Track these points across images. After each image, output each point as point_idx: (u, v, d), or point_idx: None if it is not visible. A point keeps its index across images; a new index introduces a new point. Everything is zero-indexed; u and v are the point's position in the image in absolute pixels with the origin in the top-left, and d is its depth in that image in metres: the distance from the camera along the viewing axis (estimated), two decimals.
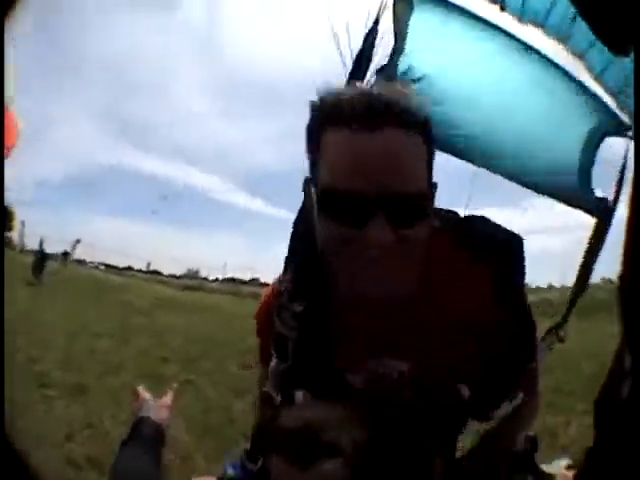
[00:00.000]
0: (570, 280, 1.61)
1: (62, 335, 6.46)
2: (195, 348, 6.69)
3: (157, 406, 1.11)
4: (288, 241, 0.93)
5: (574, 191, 1.42)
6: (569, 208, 1.44)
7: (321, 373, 0.84)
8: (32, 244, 17.34)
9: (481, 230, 0.83)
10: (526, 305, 0.85)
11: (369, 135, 0.66)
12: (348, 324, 0.82)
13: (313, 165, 0.74)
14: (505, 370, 0.84)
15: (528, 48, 1.31)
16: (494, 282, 0.80)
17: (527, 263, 0.85)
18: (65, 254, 23.76)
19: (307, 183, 0.77)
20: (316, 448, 0.70)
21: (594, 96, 1.35)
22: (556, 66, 1.33)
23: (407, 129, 0.68)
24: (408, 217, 0.69)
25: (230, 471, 0.96)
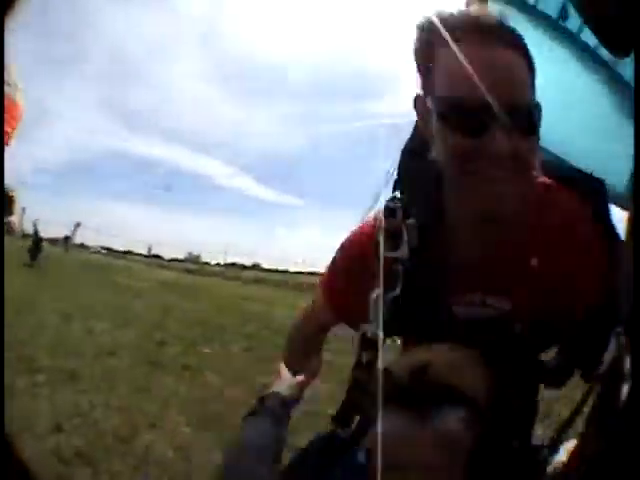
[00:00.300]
0: None
1: (56, 318, 6.23)
2: (194, 332, 6.47)
3: (289, 383, 1.03)
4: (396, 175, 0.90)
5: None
6: None
7: (430, 302, 0.81)
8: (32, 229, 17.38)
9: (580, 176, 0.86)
10: None
11: (484, 51, 0.69)
12: (460, 248, 0.80)
13: (426, 81, 0.76)
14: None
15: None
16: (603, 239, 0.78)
17: None
18: (66, 238, 23.69)
19: (418, 100, 0.78)
20: (437, 394, 0.63)
21: None
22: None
23: (514, 49, 0.71)
24: (522, 128, 0.70)
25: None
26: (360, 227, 0.90)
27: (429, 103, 0.74)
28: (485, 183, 0.70)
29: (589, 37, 1.03)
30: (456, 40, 0.69)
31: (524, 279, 0.79)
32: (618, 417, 0.66)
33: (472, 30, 0.70)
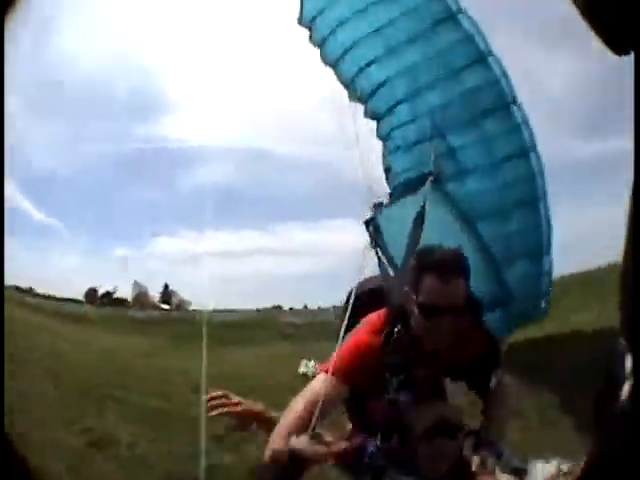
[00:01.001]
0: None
1: None
2: None
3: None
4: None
5: None
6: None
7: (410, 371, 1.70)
8: None
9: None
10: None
11: (447, 278, 1.55)
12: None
13: (413, 288, 1.61)
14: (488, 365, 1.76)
15: None
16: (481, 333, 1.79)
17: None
18: None
19: (408, 294, 1.63)
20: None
21: None
22: None
23: (463, 274, 1.58)
24: (462, 314, 1.59)
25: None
26: (368, 340, 1.69)
27: (413, 298, 1.60)
28: (439, 323, 1.58)
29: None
30: (435, 273, 1.55)
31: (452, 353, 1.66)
32: (618, 418, 0.73)
33: (442, 266, 1.56)
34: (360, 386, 1.63)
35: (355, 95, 3.10)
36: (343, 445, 1.48)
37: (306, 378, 6.61)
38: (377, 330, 1.67)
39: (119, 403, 4.82)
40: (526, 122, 3.04)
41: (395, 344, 1.63)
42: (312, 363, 6.75)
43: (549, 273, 3.55)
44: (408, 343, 1.62)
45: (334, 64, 3.16)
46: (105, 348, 9.04)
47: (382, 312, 1.74)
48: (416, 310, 1.57)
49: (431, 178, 2.42)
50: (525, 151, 3.08)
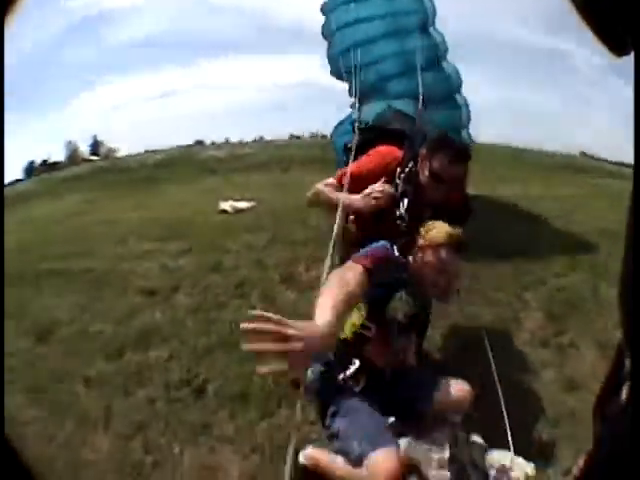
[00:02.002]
0: None
1: None
2: None
3: None
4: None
5: None
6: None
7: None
8: None
9: None
10: None
11: (457, 164, 1.94)
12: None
13: (427, 162, 1.96)
14: (460, 217, 2.03)
15: None
16: None
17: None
18: None
19: (422, 164, 1.98)
20: None
21: None
22: None
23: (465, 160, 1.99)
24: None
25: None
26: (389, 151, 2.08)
27: (427, 168, 1.94)
28: (440, 186, 1.93)
29: None
30: (446, 155, 1.90)
31: None
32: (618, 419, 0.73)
33: (454, 152, 1.92)
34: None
35: None
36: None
37: (227, 214, 6.55)
38: (394, 153, 2.06)
39: (55, 275, 4.49)
40: None
41: (408, 174, 1.98)
42: (229, 202, 6.85)
43: (466, 105, 4.32)
44: (415, 182, 1.97)
45: None
46: (37, 218, 8.46)
47: (394, 148, 2.08)
48: (427, 172, 1.94)
49: None
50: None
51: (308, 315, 1.15)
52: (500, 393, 1.91)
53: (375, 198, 1.93)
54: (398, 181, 1.97)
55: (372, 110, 3.06)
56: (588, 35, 0.68)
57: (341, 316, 1.21)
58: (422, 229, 1.72)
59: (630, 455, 0.65)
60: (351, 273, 1.38)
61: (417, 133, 2.19)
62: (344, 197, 1.96)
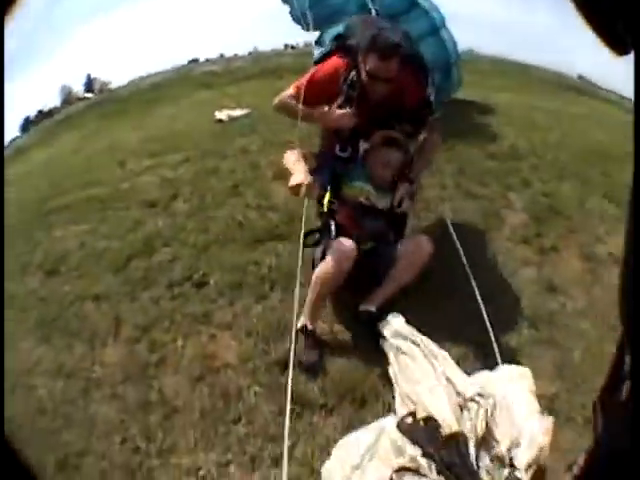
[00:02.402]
0: None
1: None
2: None
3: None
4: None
5: None
6: None
7: None
8: None
9: None
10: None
11: (389, 60, 2.08)
12: None
13: (363, 60, 2.13)
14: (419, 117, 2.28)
15: None
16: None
17: None
18: None
19: (361, 65, 2.15)
20: None
21: None
22: None
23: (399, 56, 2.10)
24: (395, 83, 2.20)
25: None
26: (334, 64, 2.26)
27: (364, 70, 2.12)
28: (378, 84, 2.15)
29: None
30: (376, 53, 2.09)
31: None
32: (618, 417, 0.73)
33: (382, 48, 2.06)
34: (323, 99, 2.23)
35: None
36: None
37: (223, 123, 6.29)
38: (337, 63, 2.25)
39: (62, 210, 4.61)
40: None
41: (351, 80, 2.17)
42: (225, 112, 6.90)
43: (452, 41, 4.58)
44: (359, 86, 2.16)
45: None
46: (37, 165, 8.53)
47: (339, 60, 2.25)
48: (364, 74, 2.12)
49: None
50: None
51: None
52: (475, 289, 1.97)
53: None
54: (344, 87, 2.17)
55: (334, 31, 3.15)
56: None
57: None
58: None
59: (630, 454, 0.64)
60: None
61: (359, 41, 2.26)
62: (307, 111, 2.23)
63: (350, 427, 1.62)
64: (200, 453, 1.61)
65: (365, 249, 2.13)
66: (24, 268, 3.53)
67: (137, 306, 2.57)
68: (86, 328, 2.56)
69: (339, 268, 1.97)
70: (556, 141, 5.39)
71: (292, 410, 1.63)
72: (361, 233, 2.16)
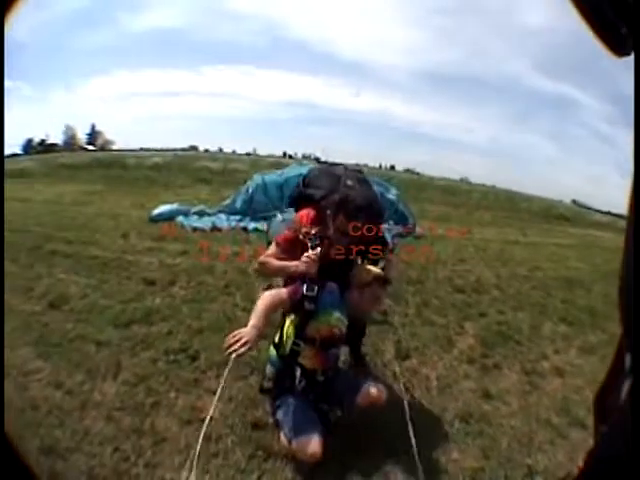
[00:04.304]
0: None
1: None
2: None
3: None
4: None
5: None
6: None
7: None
8: None
9: None
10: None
11: (355, 221, 2.36)
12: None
13: (333, 215, 2.42)
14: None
15: None
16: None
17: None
18: None
19: (330, 214, 2.46)
20: None
21: None
22: None
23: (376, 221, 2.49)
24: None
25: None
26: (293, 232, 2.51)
27: (331, 225, 2.42)
28: (343, 238, 2.43)
29: None
30: (346, 214, 2.38)
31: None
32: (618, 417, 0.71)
33: (351, 212, 2.35)
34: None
35: None
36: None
37: None
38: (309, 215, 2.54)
39: (64, 257, 5.13)
40: None
41: (318, 232, 2.43)
42: None
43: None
44: (325, 236, 2.44)
45: None
46: (41, 200, 9.07)
47: (308, 211, 2.56)
48: (332, 229, 2.42)
49: None
50: None
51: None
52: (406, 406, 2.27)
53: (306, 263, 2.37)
54: (312, 236, 2.41)
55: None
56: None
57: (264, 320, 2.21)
58: (356, 271, 2.44)
59: (630, 455, 0.64)
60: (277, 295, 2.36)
61: (328, 200, 2.53)
62: (285, 265, 2.46)
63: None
64: (183, 472, 2.15)
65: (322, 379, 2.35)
66: (26, 292, 4.03)
67: (136, 361, 3.09)
68: (87, 364, 3.01)
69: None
70: (523, 274, 6.33)
71: (259, 455, 2.27)
72: (325, 368, 2.36)
